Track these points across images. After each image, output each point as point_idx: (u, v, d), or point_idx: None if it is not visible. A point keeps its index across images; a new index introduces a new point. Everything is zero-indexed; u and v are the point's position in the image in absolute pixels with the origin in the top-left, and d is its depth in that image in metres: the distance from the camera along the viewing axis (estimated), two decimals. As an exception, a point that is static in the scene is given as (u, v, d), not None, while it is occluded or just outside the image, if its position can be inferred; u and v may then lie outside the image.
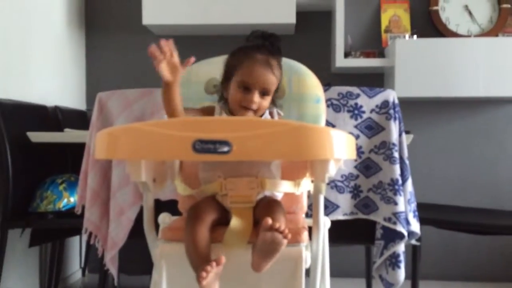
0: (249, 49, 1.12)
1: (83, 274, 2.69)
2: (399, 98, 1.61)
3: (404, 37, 2.52)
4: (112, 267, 1.59)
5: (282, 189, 1.08)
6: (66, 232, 2.17)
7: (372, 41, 2.66)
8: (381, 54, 2.61)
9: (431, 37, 2.52)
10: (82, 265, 2.69)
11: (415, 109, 2.63)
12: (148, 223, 1.04)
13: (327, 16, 2.71)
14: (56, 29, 2.49)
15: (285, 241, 0.89)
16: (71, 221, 1.86)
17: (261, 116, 1.14)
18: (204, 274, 0.87)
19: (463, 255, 2.66)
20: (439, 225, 1.97)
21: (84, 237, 1.59)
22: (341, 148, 0.85)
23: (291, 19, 2.47)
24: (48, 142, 1.97)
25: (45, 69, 2.38)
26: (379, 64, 2.51)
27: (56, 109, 2.33)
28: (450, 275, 2.65)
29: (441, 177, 2.67)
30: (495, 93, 2.37)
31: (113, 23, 2.79)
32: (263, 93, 1.10)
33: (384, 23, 2.64)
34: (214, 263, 0.89)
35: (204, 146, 0.80)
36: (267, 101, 1.12)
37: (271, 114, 1.16)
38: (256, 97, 1.09)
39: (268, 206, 1.02)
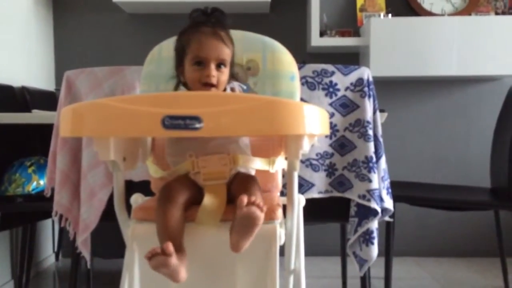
0: (193, 25, 1.08)
1: (57, 258, 2.64)
2: (374, 77, 1.61)
3: (379, 16, 2.52)
4: (84, 250, 1.56)
5: (255, 165, 1.07)
6: (37, 216, 2.12)
7: (347, 20, 2.65)
8: (356, 33, 2.60)
9: (405, 16, 2.53)
10: (56, 249, 2.64)
11: (390, 88, 2.65)
12: (119, 203, 1.01)
13: (303, -6, 2.68)
14: (22, 7, 2.38)
15: (262, 215, 0.87)
16: (41, 205, 1.81)
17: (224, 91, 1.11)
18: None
19: (435, 231, 2.72)
20: (412, 202, 2.01)
21: (56, 220, 1.55)
22: (314, 123, 0.83)
23: (266, -4, 2.43)
24: (16, 124, 1.89)
25: (10, 48, 2.28)
26: (355, 43, 2.51)
27: (23, 89, 2.25)
28: (423, 251, 2.72)
29: (414, 155, 2.71)
30: (467, 72, 2.40)
31: (82, 0, 2.69)
32: (219, 65, 1.07)
33: (359, 2, 2.63)
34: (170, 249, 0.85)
35: (174, 122, 0.77)
36: (225, 75, 1.08)
37: (232, 90, 1.14)
38: (213, 70, 1.05)
39: (243, 181, 1.01)
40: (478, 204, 1.96)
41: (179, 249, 0.90)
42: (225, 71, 1.08)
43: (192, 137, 1.01)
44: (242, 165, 1.04)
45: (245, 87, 1.16)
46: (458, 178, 2.66)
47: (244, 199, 0.86)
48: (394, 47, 2.38)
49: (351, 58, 2.65)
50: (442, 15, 2.58)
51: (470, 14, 2.56)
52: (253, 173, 1.11)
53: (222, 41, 1.06)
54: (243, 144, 1.09)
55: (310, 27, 2.52)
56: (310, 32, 2.52)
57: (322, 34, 2.54)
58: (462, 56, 2.37)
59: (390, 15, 2.50)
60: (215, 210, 0.96)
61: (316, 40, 2.50)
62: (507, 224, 1.94)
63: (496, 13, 2.59)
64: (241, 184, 1.00)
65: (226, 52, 1.07)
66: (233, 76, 1.15)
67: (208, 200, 0.97)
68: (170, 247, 0.85)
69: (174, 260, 0.87)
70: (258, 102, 0.80)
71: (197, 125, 0.78)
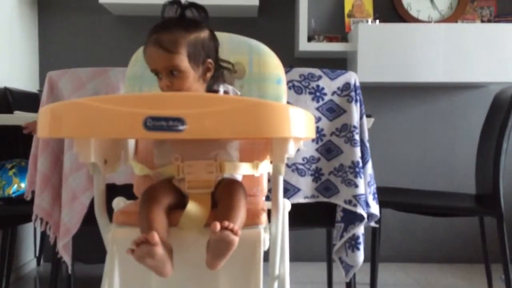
0: (149, 33, 1.03)
1: (38, 263, 2.59)
2: (361, 83, 1.61)
3: (367, 21, 2.53)
4: (65, 254, 1.52)
5: (241, 171, 1.05)
6: (18, 220, 2.07)
7: (335, 26, 2.66)
8: (344, 38, 2.61)
9: (393, 22, 2.54)
10: (37, 254, 2.59)
11: (376, 94, 2.66)
12: (99, 207, 0.99)
13: (291, -1, 2.68)
14: (5, 6, 2.34)
15: (236, 238, 0.85)
16: (21, 208, 1.77)
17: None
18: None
19: (421, 237, 2.73)
20: (397, 207, 2.01)
21: (37, 224, 1.52)
22: (300, 126, 0.82)
23: (254, 0, 2.42)
24: (-4, 125, 1.86)
25: (-7, 48, 2.24)
26: (342, 49, 2.51)
27: (6, 90, 2.21)
28: (408, 256, 2.72)
29: (401, 160, 2.72)
30: (453, 78, 2.42)
31: (68, 1, 2.66)
32: (172, 73, 1.01)
33: (347, 7, 2.64)
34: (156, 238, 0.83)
35: (156, 123, 0.75)
36: (185, 79, 1.01)
37: (226, 93, 1.12)
38: (164, 81, 1.01)
39: (227, 188, 0.99)
40: (463, 210, 1.97)
41: (164, 243, 0.88)
42: (185, 75, 1.01)
43: (180, 140, 0.99)
44: (228, 173, 1.02)
45: (239, 93, 1.14)
46: (444, 184, 2.67)
47: (217, 226, 0.84)
48: (381, 53, 2.39)
49: (339, 64, 2.66)
50: (429, 22, 2.60)
51: (456, 22, 2.58)
52: (239, 178, 1.09)
53: (163, 49, 0.99)
54: (232, 149, 1.08)
55: (298, 32, 2.51)
56: (298, 37, 2.51)
57: (310, 39, 2.54)
58: (448, 63, 2.39)
59: (377, 21, 2.51)
60: (199, 217, 0.94)
61: (304, 45, 2.50)
62: (491, 231, 1.95)
63: (482, 21, 2.61)
64: (225, 190, 0.98)
65: (173, 59, 0.99)
66: (220, 77, 1.11)
67: (191, 207, 0.94)
68: (155, 236, 0.82)
69: (160, 250, 0.84)
70: (243, 103, 0.79)
71: (180, 127, 0.76)
